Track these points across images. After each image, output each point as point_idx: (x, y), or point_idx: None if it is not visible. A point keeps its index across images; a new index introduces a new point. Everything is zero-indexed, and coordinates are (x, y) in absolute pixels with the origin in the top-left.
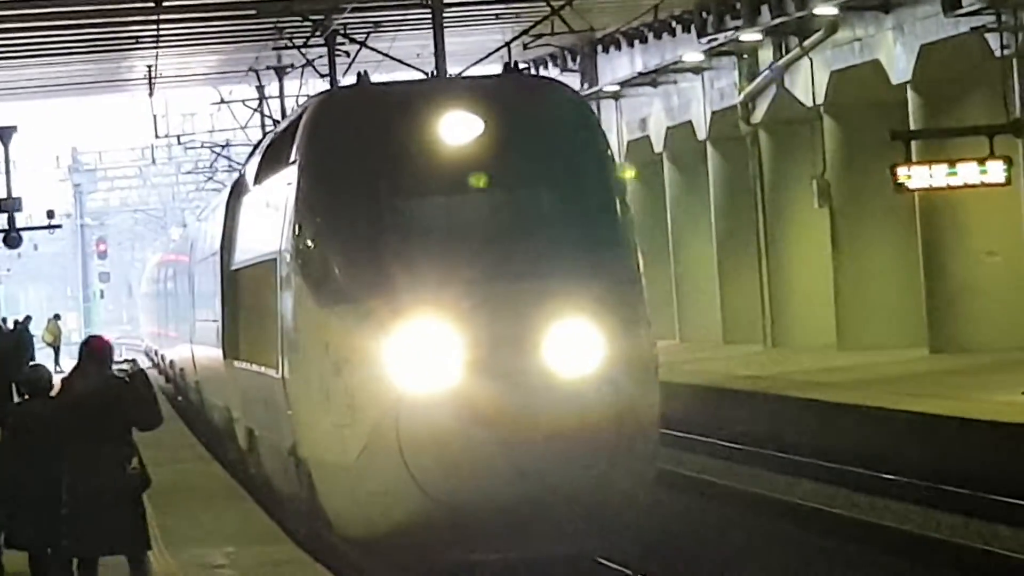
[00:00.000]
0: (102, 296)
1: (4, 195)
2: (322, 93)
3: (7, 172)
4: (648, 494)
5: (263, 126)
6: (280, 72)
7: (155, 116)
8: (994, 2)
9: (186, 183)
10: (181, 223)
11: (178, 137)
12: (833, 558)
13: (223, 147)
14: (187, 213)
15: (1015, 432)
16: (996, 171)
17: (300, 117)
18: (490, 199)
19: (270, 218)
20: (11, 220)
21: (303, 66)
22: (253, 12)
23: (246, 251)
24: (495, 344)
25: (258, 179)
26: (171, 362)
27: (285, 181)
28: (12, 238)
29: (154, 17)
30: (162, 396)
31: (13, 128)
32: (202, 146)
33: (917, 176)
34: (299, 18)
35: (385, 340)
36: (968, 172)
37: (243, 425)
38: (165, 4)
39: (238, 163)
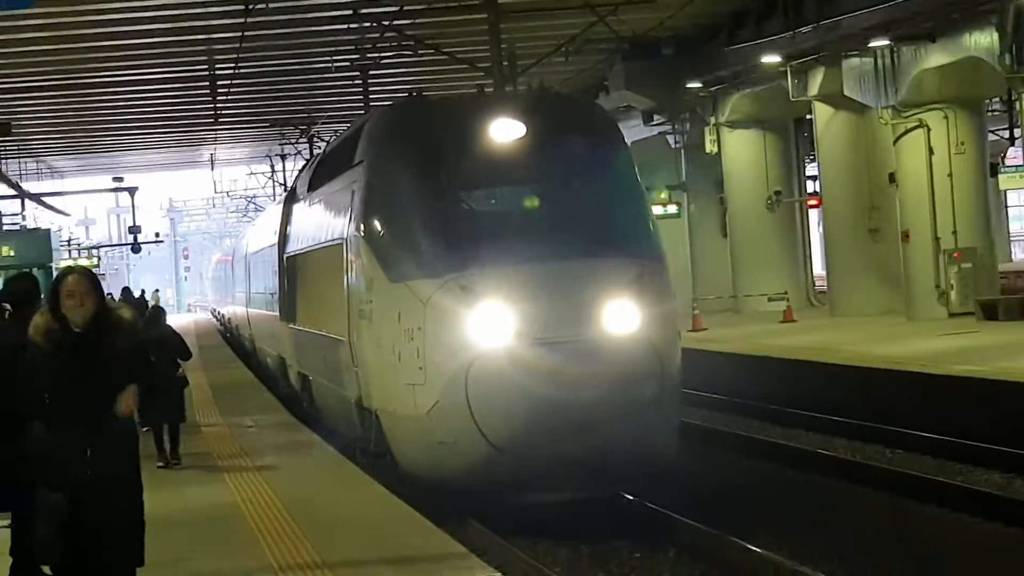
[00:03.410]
0: (186, 280)
1: (131, 225)
2: (381, 106)
3: (133, 214)
4: (679, 442)
5: (274, 186)
6: (283, 157)
7: (214, 180)
8: (671, 118)
9: (230, 218)
10: (231, 236)
11: (227, 192)
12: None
13: (251, 199)
14: (229, 238)
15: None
16: (672, 211)
17: (362, 128)
18: (533, 191)
19: (331, 213)
20: (135, 239)
21: (295, 154)
22: (268, 124)
23: (302, 241)
24: (553, 312)
25: (312, 187)
26: (228, 319)
27: (349, 181)
28: (135, 247)
29: (213, 124)
30: (220, 336)
31: (135, 188)
32: (240, 197)
33: None
34: (292, 127)
35: (456, 310)
36: (656, 212)
37: (296, 371)
38: (221, 120)
39: (261, 207)
